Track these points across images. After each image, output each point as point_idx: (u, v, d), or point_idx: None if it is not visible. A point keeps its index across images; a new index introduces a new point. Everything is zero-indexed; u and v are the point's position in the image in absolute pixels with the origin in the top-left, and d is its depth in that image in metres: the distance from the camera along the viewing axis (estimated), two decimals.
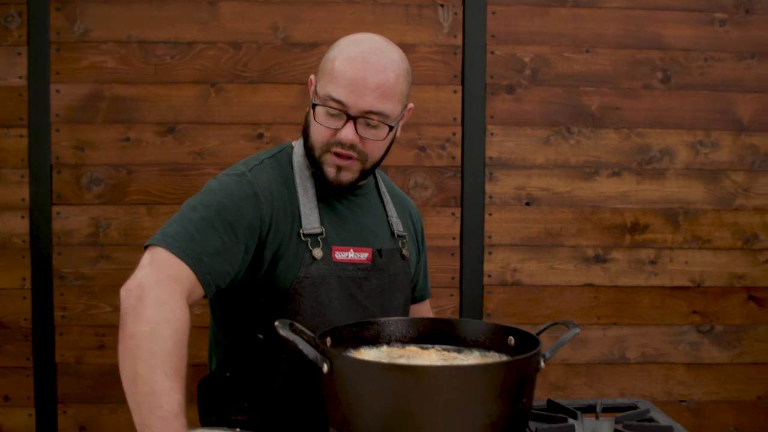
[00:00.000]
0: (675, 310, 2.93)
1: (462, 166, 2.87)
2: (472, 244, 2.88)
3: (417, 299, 2.02)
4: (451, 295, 2.89)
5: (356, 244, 1.72)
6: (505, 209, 2.89)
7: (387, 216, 1.84)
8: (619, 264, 2.91)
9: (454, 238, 2.88)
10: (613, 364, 2.93)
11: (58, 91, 2.79)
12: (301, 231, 1.64)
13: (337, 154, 1.63)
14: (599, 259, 2.91)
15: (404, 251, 1.82)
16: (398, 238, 1.82)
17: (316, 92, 1.65)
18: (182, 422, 1.29)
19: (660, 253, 2.92)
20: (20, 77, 2.78)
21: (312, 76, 1.70)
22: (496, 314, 2.88)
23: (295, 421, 1.67)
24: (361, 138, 1.61)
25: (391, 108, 1.61)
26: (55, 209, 2.80)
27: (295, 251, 1.64)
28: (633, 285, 2.92)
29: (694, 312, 2.93)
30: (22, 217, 2.80)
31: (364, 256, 1.71)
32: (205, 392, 1.78)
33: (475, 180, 2.87)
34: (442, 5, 2.84)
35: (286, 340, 1.28)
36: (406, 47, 2.82)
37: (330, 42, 1.77)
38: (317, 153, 1.65)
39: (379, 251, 1.74)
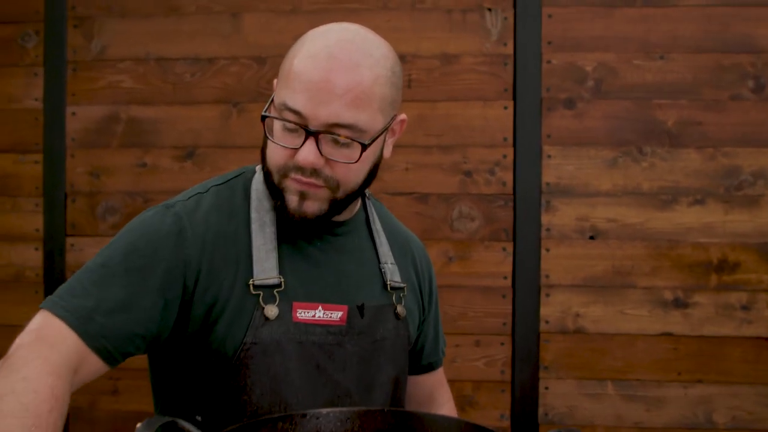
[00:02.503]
0: None
1: (514, 193, 2.57)
2: (526, 285, 2.56)
3: (424, 368, 1.60)
4: (502, 344, 2.56)
5: (328, 299, 1.33)
6: (565, 244, 2.55)
7: (379, 262, 1.44)
8: (703, 309, 2.53)
9: (505, 278, 2.57)
10: (696, 429, 2.52)
11: (74, 113, 2.70)
12: (251, 281, 1.27)
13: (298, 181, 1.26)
14: (679, 304, 2.52)
15: (399, 308, 1.42)
16: (392, 291, 1.42)
17: (272, 100, 1.27)
18: None
19: (754, 296, 2.51)
20: (36, 99, 2.73)
21: (275, 81, 1.32)
22: (555, 367, 2.51)
23: None
24: (328, 160, 1.23)
25: (366, 119, 1.21)
26: (69, 240, 2.69)
27: (240, 308, 1.26)
28: (721, 335, 2.53)
29: None
30: (36, 249, 2.71)
31: (337, 315, 1.32)
32: None
33: (529, 210, 2.57)
34: (489, 9, 2.56)
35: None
36: (449, 58, 2.55)
37: None
38: (276, 179, 1.28)
39: (360, 308, 1.35)
